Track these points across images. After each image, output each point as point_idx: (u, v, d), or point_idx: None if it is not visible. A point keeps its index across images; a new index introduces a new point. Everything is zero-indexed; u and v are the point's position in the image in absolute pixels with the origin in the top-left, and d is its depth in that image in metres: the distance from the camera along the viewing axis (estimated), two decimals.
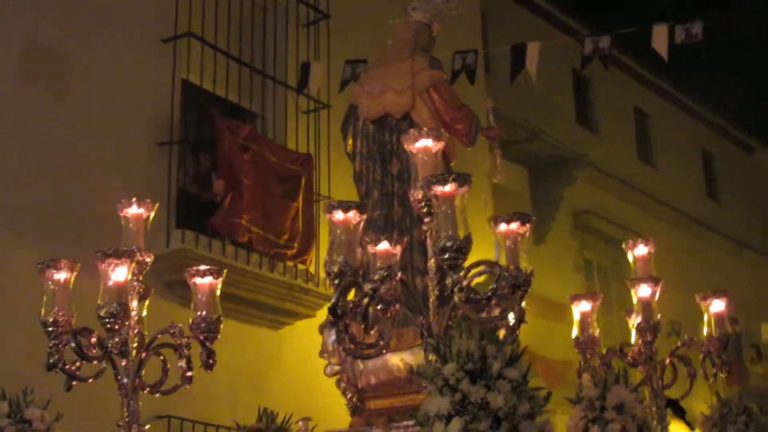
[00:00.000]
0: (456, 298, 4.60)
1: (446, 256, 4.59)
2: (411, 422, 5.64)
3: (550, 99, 16.33)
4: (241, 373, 9.73)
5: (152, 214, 5.43)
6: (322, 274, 10.60)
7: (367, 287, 4.69)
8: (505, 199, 13.17)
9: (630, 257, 6.37)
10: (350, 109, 6.89)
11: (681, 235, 18.60)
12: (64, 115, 9.00)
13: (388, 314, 4.77)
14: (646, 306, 6.05)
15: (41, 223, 8.59)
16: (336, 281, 4.74)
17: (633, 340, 6.25)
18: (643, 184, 18.15)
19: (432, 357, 4.26)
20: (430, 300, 4.87)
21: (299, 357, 10.34)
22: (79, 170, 8.96)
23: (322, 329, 6.53)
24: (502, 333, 4.60)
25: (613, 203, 17.28)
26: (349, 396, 6.31)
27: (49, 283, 5.07)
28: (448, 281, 4.62)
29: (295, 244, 10.18)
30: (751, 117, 22.16)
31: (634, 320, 6.18)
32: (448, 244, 4.58)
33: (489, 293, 4.61)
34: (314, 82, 10.50)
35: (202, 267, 5.19)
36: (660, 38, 8.21)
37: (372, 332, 4.82)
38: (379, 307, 4.72)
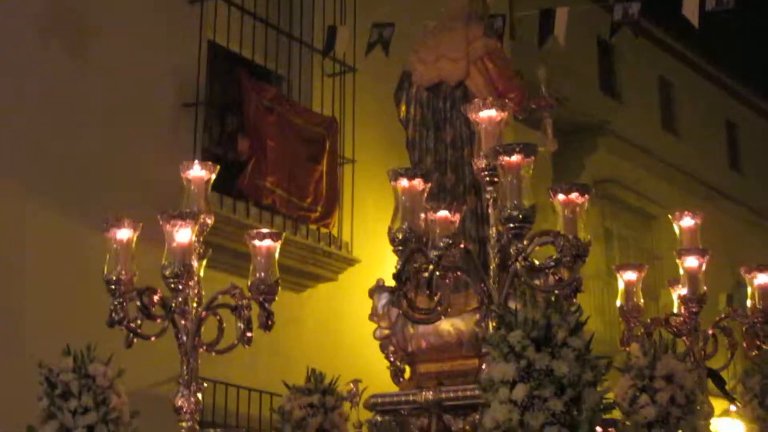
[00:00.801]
0: (518, 266, 4.64)
1: (512, 225, 4.64)
2: (461, 386, 5.79)
3: (574, 66, 16.24)
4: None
5: (213, 176, 5.46)
6: (345, 238, 10.63)
7: (433, 254, 4.73)
8: None
9: (676, 228, 6.38)
10: (404, 76, 6.86)
11: (703, 205, 18.52)
12: (87, 76, 8.97)
13: (447, 281, 4.83)
14: (693, 277, 6.09)
15: (65, 184, 8.60)
16: (400, 248, 4.77)
17: (675, 310, 6.29)
18: (665, 153, 18.07)
19: (492, 324, 4.35)
20: (491, 268, 4.92)
21: (321, 320, 10.38)
22: (104, 131, 8.95)
23: (371, 293, 6.55)
24: None
25: (635, 172, 17.22)
26: (392, 360, 6.36)
27: (112, 241, 5.14)
28: (512, 250, 4.65)
29: (319, 207, 10.19)
30: None
31: (679, 291, 6.22)
32: (514, 213, 4.63)
33: (552, 263, 4.66)
34: (340, 45, 10.45)
35: (263, 230, 5.29)
36: (691, 5, 8.12)
37: (434, 298, 4.85)
38: (442, 274, 4.77)
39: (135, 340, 5.17)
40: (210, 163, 5.52)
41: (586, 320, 4.19)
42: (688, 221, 6.36)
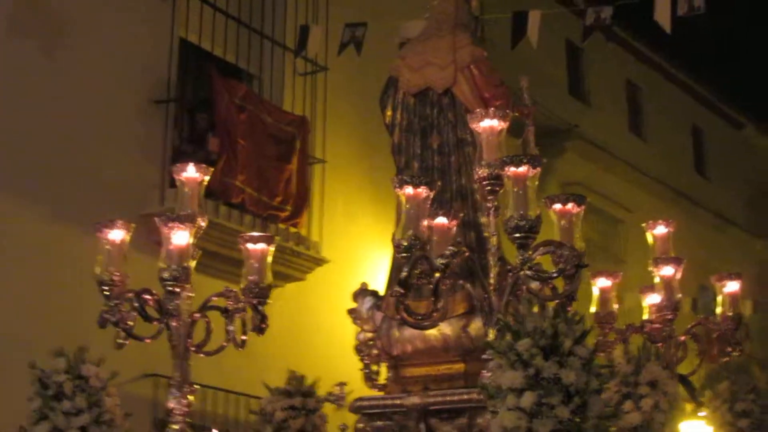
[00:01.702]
0: (523, 274, 4.77)
1: (517, 235, 4.75)
2: (447, 390, 5.89)
3: (543, 69, 16.28)
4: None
5: (207, 178, 5.48)
6: (314, 238, 10.62)
7: (439, 262, 4.87)
8: None
9: (649, 237, 6.49)
10: (390, 81, 6.92)
11: (668, 209, 18.63)
12: (57, 72, 8.91)
13: (444, 287, 4.98)
14: (668, 285, 6.20)
15: (34, 181, 8.54)
16: (404, 255, 4.89)
17: (646, 316, 6.43)
18: (632, 157, 18.14)
19: (492, 331, 4.50)
20: (491, 275, 5.02)
21: (288, 320, 10.34)
22: (73, 127, 8.90)
23: (356, 297, 6.61)
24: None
25: (602, 176, 17.28)
26: (367, 362, 6.44)
27: (104, 242, 5.16)
28: (518, 259, 4.76)
29: (288, 207, 10.18)
30: (741, 93, 22.18)
31: (651, 298, 6.37)
32: (521, 223, 4.75)
33: (555, 272, 4.80)
34: (312, 44, 10.42)
35: (255, 233, 5.40)
36: (662, 9, 8.16)
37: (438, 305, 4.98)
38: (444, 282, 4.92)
39: (127, 341, 5.19)
40: (204, 165, 5.52)
41: (590, 329, 4.32)
42: (661, 229, 6.47)
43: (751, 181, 22.47)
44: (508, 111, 5.43)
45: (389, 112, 6.85)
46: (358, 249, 11.03)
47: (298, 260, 10.34)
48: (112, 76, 9.26)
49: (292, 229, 10.32)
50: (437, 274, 4.90)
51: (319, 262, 10.55)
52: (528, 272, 4.78)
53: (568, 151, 16.50)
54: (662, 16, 8.15)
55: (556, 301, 4.81)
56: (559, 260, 4.77)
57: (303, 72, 10.85)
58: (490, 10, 13.64)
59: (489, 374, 4.37)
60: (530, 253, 4.80)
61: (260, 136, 10.00)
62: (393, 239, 4.99)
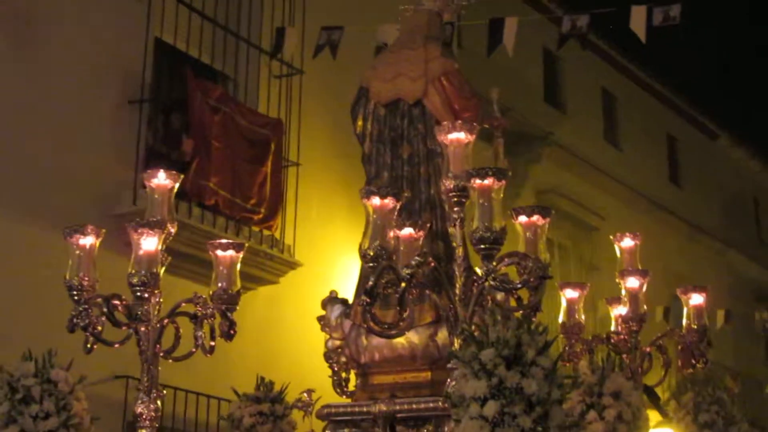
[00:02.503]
0: (488, 285, 4.86)
1: (482, 246, 4.84)
2: (414, 398, 5.94)
3: (519, 76, 16.32)
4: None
5: (177, 185, 5.52)
6: (288, 241, 10.59)
7: (405, 272, 4.96)
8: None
9: (617, 249, 6.56)
10: (361, 92, 6.98)
11: (641, 217, 18.71)
12: (29, 72, 8.86)
13: (410, 296, 5.06)
14: (633, 297, 6.31)
15: (5, 181, 8.48)
16: (371, 264, 4.96)
17: (613, 327, 6.52)
18: (607, 165, 18.21)
19: (458, 341, 4.58)
20: (457, 285, 5.10)
21: (261, 322, 10.32)
22: (45, 127, 8.85)
23: (324, 304, 6.66)
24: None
25: (577, 183, 17.33)
26: (336, 369, 6.49)
27: (74, 247, 5.19)
28: (483, 270, 4.86)
29: (262, 210, 10.14)
30: (716, 104, 22.32)
31: (619, 310, 6.46)
32: (486, 235, 4.83)
33: (519, 283, 4.88)
34: (288, 47, 10.43)
35: (224, 240, 5.41)
36: (638, 19, 8.21)
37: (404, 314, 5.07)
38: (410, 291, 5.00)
39: (95, 346, 5.22)
40: (174, 172, 5.54)
41: (554, 340, 4.37)
42: (628, 242, 6.54)
43: (725, 191, 22.61)
44: (475, 124, 5.49)
45: (360, 122, 6.91)
46: (332, 252, 11.01)
47: (272, 263, 10.31)
48: (86, 75, 9.21)
49: (266, 232, 10.29)
50: (403, 284, 4.97)
51: (293, 265, 10.53)
52: (492, 283, 4.85)
53: (543, 158, 16.55)
54: (637, 25, 8.21)
55: (521, 311, 4.88)
56: (524, 271, 4.84)
57: (278, 75, 10.82)
58: (467, 17, 13.68)
59: (453, 383, 4.43)
60: (495, 264, 4.87)
61: (235, 138, 9.97)
62: (360, 249, 5.05)
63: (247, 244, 9.65)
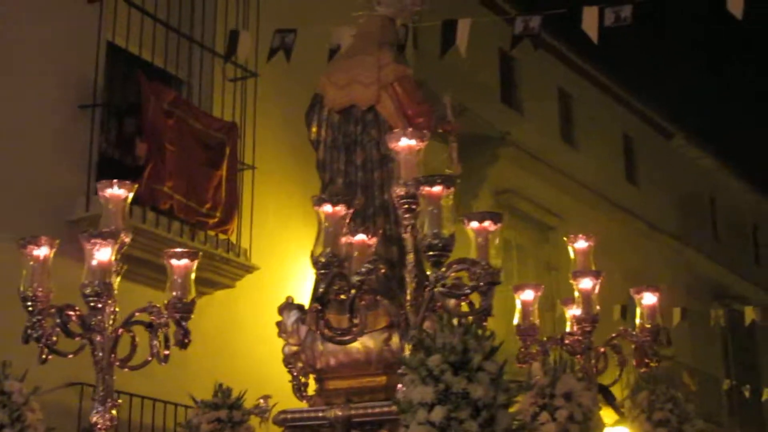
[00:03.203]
0: (437, 291, 4.93)
1: (431, 253, 4.90)
2: (369, 403, 6.03)
3: (476, 77, 16.36)
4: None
5: (131, 195, 5.56)
6: (244, 245, 10.54)
7: (355, 279, 5.05)
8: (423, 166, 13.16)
9: (571, 251, 6.62)
10: (315, 98, 7.06)
11: (599, 216, 18.82)
12: None
13: (363, 302, 5.17)
14: (586, 298, 6.37)
15: None
16: (323, 271, 5.04)
17: (568, 329, 6.60)
18: (564, 165, 18.30)
19: (408, 347, 4.67)
20: (408, 291, 5.17)
21: (217, 327, 10.25)
22: None
23: (281, 310, 6.70)
24: None
25: (535, 183, 17.40)
26: (295, 374, 6.54)
27: (29, 258, 5.22)
28: (432, 276, 4.92)
29: (218, 213, 10.09)
30: (671, 103, 22.50)
31: (573, 311, 6.54)
32: (434, 242, 4.89)
33: (468, 289, 4.97)
34: (242, 50, 10.38)
35: (178, 249, 5.48)
36: (589, 20, 8.25)
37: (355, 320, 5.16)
38: (359, 297, 5.11)
39: (50, 356, 5.25)
40: (128, 182, 5.58)
41: (500, 345, 4.42)
42: (581, 243, 6.60)
43: (680, 189, 22.78)
44: (426, 131, 5.53)
45: (314, 129, 6.99)
46: (289, 256, 10.96)
47: (228, 267, 10.26)
48: (37, 80, 9.11)
49: (222, 236, 10.24)
50: (353, 291, 5.04)
51: (249, 269, 10.48)
52: (442, 289, 4.91)
53: (500, 158, 16.60)
54: (590, 26, 8.25)
55: (472, 317, 4.93)
56: (474, 277, 4.91)
57: (233, 78, 10.77)
58: (423, 19, 13.69)
59: (403, 389, 4.47)
60: (443, 270, 4.92)
61: (189, 141, 9.91)
62: (311, 256, 5.09)
63: (202, 250, 9.85)
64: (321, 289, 5.03)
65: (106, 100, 9.68)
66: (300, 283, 10.03)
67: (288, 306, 6.67)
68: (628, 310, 14.86)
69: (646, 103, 21.44)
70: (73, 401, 8.85)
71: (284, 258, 11.00)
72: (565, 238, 6.72)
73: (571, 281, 6.48)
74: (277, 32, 9.73)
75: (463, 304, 5.37)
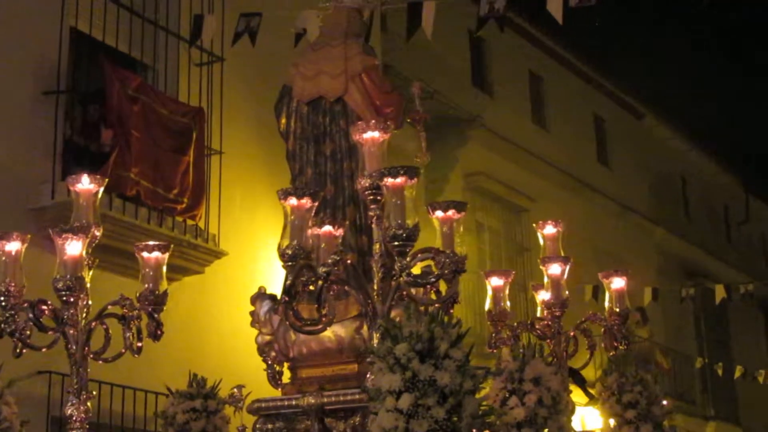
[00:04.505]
0: (402, 281, 5.01)
1: (396, 243, 4.97)
2: (341, 390, 6.14)
3: (446, 60, 16.33)
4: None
5: (102, 189, 5.56)
6: (213, 230, 10.49)
7: (322, 270, 5.13)
8: (394, 155, 13.14)
9: (540, 237, 6.68)
10: (284, 90, 7.12)
11: (571, 198, 18.86)
12: None
13: (331, 292, 5.24)
14: (555, 283, 6.46)
15: None
16: (290, 264, 5.08)
17: (538, 314, 6.68)
18: (535, 147, 18.31)
19: (376, 335, 4.76)
20: (375, 281, 5.26)
21: (187, 312, 10.22)
22: None
23: (254, 300, 6.77)
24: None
25: (506, 166, 17.41)
26: (270, 363, 6.62)
27: (0, 254, 5.23)
28: (397, 266, 5.00)
29: (185, 199, 10.05)
30: (641, 83, 22.52)
31: (542, 296, 6.58)
32: (399, 232, 4.96)
33: (433, 278, 5.08)
34: (207, 34, 10.28)
35: (151, 242, 5.52)
36: (554, 1, 8.20)
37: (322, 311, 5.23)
38: (328, 288, 5.19)
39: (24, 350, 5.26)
40: (98, 176, 5.57)
41: (466, 332, 4.50)
42: (550, 229, 6.65)
43: (652, 170, 22.86)
44: (390, 123, 5.60)
45: (284, 120, 7.05)
46: (258, 240, 10.94)
47: (196, 253, 10.23)
48: (0, 66, 9.02)
49: (190, 222, 10.20)
50: (320, 282, 5.12)
51: (218, 254, 10.45)
52: (407, 278, 4.98)
53: (471, 141, 16.59)
54: (554, 7, 8.19)
55: (437, 305, 5.03)
56: (439, 266, 4.98)
57: (198, 63, 10.71)
58: (390, 1, 13.63)
59: (372, 377, 4.57)
60: (409, 260, 4.98)
61: (155, 127, 9.85)
62: (278, 248, 5.15)
63: (170, 236, 9.79)
64: (287, 282, 5.08)
65: (71, 87, 9.61)
66: (269, 267, 10.02)
67: (261, 296, 6.74)
68: (599, 291, 14.92)
69: (617, 84, 21.47)
70: (42, 390, 8.81)
71: (253, 243, 10.98)
72: (534, 225, 6.79)
73: (541, 267, 6.57)
74: (242, 16, 9.65)
75: (431, 292, 5.51)
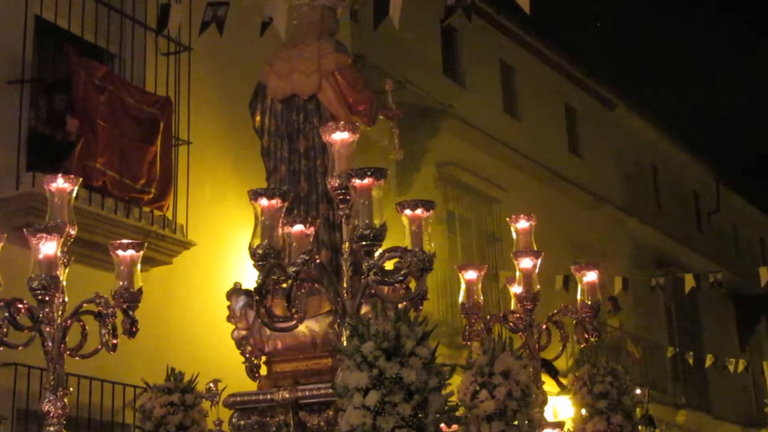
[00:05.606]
0: (370, 279, 5.09)
1: (364, 243, 5.06)
2: (315, 384, 6.27)
3: (417, 50, 16.30)
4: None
5: (76, 188, 5.59)
6: (180, 221, 10.43)
7: (291, 270, 5.21)
8: (369, 152, 13.11)
9: (513, 231, 6.77)
10: (258, 87, 7.20)
11: (542, 188, 18.88)
12: None
13: (303, 290, 5.33)
14: (527, 277, 6.58)
15: None
16: (261, 263, 5.15)
17: (513, 307, 6.81)
18: (507, 137, 18.31)
19: (345, 333, 4.90)
20: (344, 278, 5.35)
21: (155, 304, 10.09)
22: None
23: (229, 296, 6.83)
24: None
25: (477, 156, 17.39)
26: (248, 356, 6.70)
27: None
28: (365, 265, 5.08)
29: (152, 189, 9.98)
30: (613, 73, 22.56)
31: (514, 289, 6.70)
32: (366, 232, 5.05)
33: (401, 276, 5.13)
34: (174, 23, 10.24)
35: (125, 240, 5.59)
36: None
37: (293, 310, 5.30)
38: (299, 286, 5.27)
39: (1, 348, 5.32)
40: (72, 176, 5.61)
41: (433, 330, 4.58)
42: (523, 223, 6.73)
43: (624, 159, 22.92)
44: (358, 124, 5.74)
45: (258, 118, 7.13)
46: (226, 231, 10.89)
47: (164, 244, 10.16)
48: None
49: (157, 212, 10.13)
50: (290, 281, 5.19)
51: (186, 245, 10.39)
52: (374, 277, 5.06)
53: (442, 131, 16.55)
54: None
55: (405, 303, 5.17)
56: (406, 265, 5.05)
57: (166, 52, 10.64)
58: None
59: (340, 374, 4.66)
60: (377, 258, 5.06)
61: (121, 117, 9.78)
62: (249, 248, 5.20)
63: (137, 226, 9.72)
64: (258, 281, 5.15)
65: (36, 76, 9.53)
66: (238, 257, 9.96)
67: (236, 291, 6.80)
68: (570, 281, 14.96)
69: (588, 74, 21.50)
70: (8, 381, 8.75)
71: (221, 233, 10.92)
72: (507, 219, 6.85)
73: (513, 261, 6.66)
74: (208, 5, 9.61)
75: (400, 289, 5.64)
